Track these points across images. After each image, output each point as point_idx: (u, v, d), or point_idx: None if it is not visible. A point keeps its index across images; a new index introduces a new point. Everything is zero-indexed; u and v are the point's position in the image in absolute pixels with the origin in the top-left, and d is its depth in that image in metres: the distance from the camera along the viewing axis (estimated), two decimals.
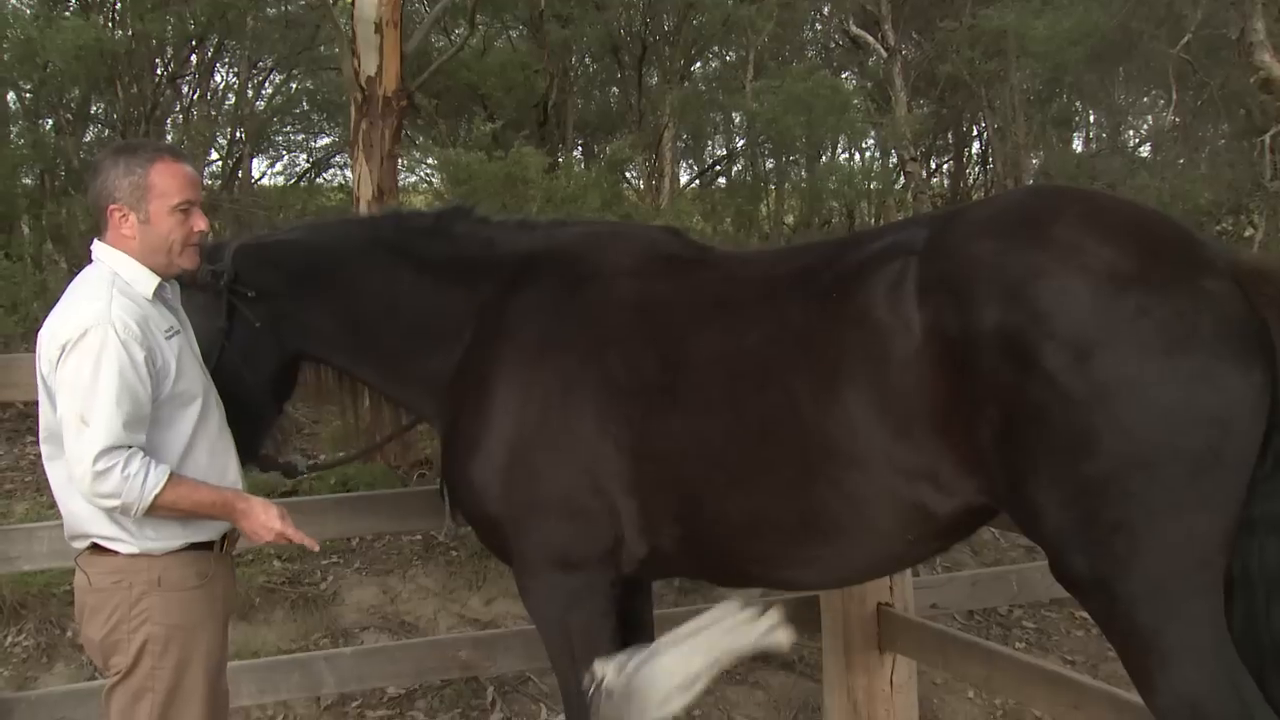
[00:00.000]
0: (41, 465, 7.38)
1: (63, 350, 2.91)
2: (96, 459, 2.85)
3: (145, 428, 2.95)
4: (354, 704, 5.31)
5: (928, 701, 5.36)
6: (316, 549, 3.24)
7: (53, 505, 6.37)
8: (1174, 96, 13.89)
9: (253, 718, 5.12)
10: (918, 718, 4.90)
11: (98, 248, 3.10)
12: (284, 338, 3.62)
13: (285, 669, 4.34)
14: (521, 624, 5.52)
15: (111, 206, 3.04)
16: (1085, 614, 5.40)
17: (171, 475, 2.94)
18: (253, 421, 3.58)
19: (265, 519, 3.07)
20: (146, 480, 2.89)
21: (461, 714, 5.31)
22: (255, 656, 5.14)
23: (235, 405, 3.41)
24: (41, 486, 7.05)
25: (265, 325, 3.54)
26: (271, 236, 3.80)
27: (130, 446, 2.90)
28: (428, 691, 5.42)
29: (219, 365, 3.43)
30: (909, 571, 4.75)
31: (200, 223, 3.12)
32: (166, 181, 3.04)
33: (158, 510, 2.94)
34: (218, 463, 3.17)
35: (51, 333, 2.98)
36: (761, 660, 5.80)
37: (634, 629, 3.75)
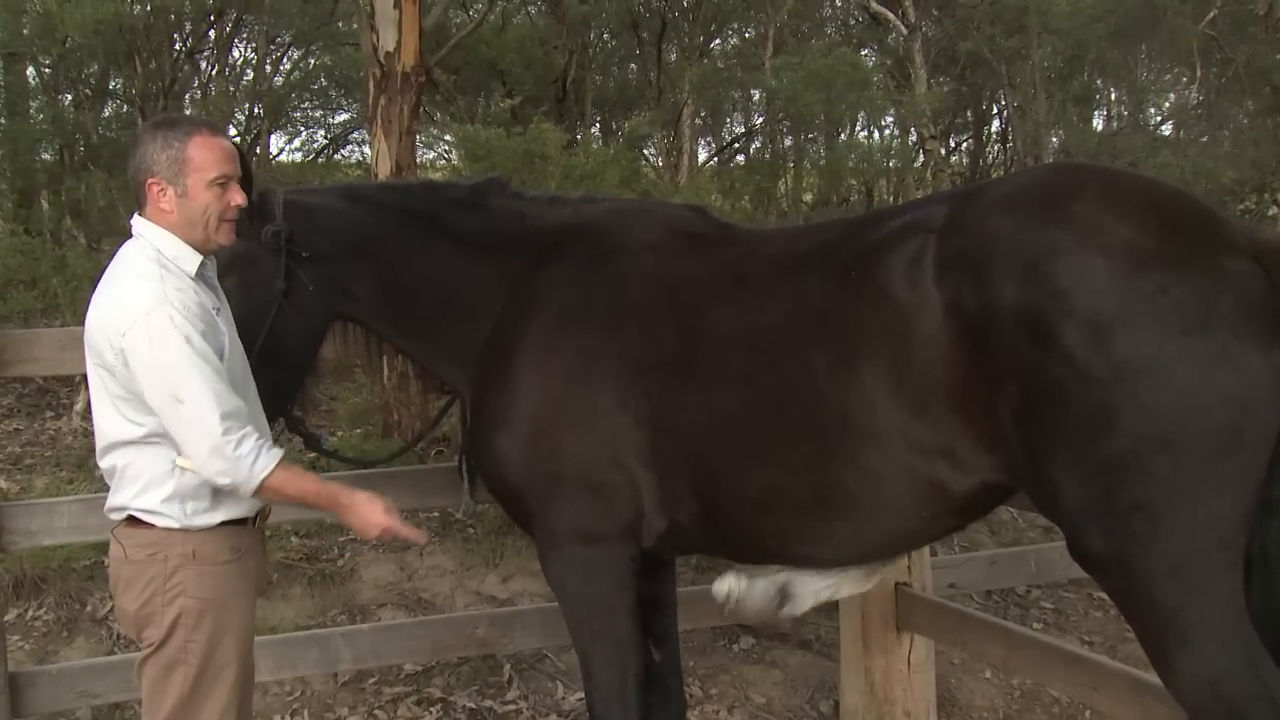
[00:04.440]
0: (61, 440, 7.40)
1: (126, 336, 2.91)
2: (217, 430, 2.89)
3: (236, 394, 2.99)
4: (371, 681, 5.33)
5: (945, 681, 5.36)
6: (424, 541, 3.25)
7: (72, 480, 6.46)
8: (1198, 73, 13.77)
9: (271, 693, 5.15)
10: (935, 697, 4.90)
11: (138, 223, 3.10)
12: (330, 299, 3.64)
13: (303, 645, 4.37)
14: (539, 602, 5.54)
15: (150, 180, 3.04)
16: (1104, 595, 5.38)
17: (282, 460, 2.98)
18: (291, 380, 3.64)
19: (371, 514, 3.11)
20: (256, 463, 2.94)
21: (478, 691, 5.33)
22: (273, 632, 5.16)
23: (276, 363, 3.47)
24: (61, 461, 7.09)
25: (317, 286, 3.56)
26: (314, 196, 3.77)
27: (244, 421, 2.95)
28: (445, 669, 5.44)
29: (272, 325, 3.48)
30: (927, 551, 4.75)
31: (237, 197, 3.13)
32: (204, 155, 3.04)
33: (264, 493, 2.99)
34: None
35: (107, 319, 2.97)
36: (779, 639, 5.81)
37: (657, 607, 3.77)
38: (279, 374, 3.50)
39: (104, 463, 3.11)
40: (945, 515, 3.04)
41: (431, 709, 5.18)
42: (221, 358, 3.03)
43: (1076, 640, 5.94)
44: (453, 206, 3.72)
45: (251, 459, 2.94)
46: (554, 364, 3.41)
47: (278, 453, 2.98)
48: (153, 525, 3.04)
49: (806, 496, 3.10)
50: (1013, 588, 6.33)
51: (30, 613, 5.60)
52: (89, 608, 5.62)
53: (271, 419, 3.47)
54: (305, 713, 5.11)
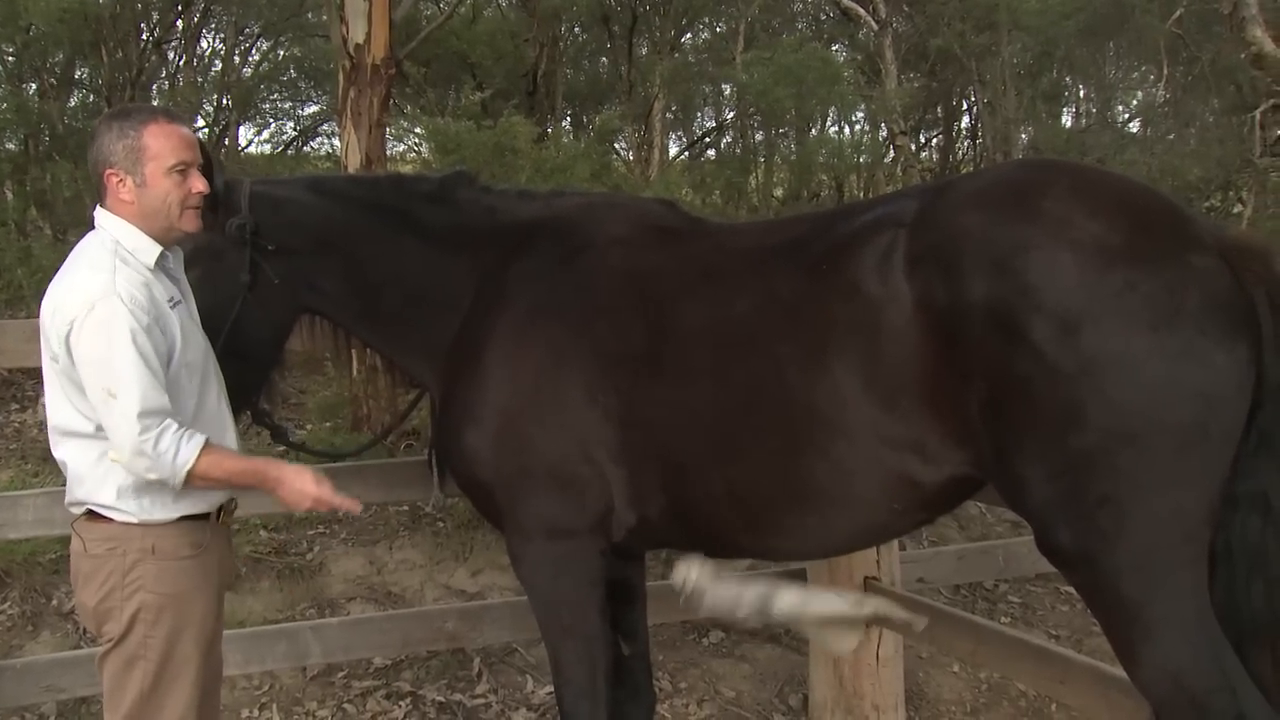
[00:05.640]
0: (26, 432, 7.32)
1: (71, 326, 2.90)
2: (135, 429, 2.87)
3: (166, 392, 2.95)
4: (340, 674, 5.31)
5: (913, 675, 5.39)
6: (359, 510, 3.24)
7: (38, 473, 6.40)
8: (1164, 71, 13.87)
9: (239, 687, 5.13)
10: (903, 691, 4.93)
11: (99, 214, 3.08)
12: (295, 293, 3.61)
13: (271, 639, 4.35)
14: (509, 596, 5.53)
15: (108, 171, 3.02)
16: (1070, 589, 5.42)
17: (205, 446, 2.95)
18: (256, 373, 3.61)
19: (300, 484, 3.07)
20: (178, 457, 2.90)
21: (448, 685, 5.32)
22: (241, 626, 5.13)
23: (242, 357, 3.44)
24: (26, 454, 7.03)
25: (282, 280, 3.53)
26: (281, 188, 3.71)
27: (164, 417, 2.91)
28: (414, 662, 5.43)
29: (236, 318, 3.45)
30: (895, 545, 4.77)
31: (198, 184, 3.10)
32: (160, 143, 3.01)
33: (192, 482, 2.96)
34: (213, 436, 3.15)
35: (55, 307, 2.96)
36: (748, 633, 5.82)
37: (626, 601, 3.77)
38: (244, 367, 3.47)
39: (58, 453, 3.09)
40: (915, 509, 3.05)
41: (401, 703, 5.17)
42: (173, 352, 3.01)
43: (1043, 634, 5.99)
44: (421, 200, 3.70)
45: (172, 453, 2.90)
46: (524, 358, 3.40)
47: (199, 440, 2.94)
48: (111, 519, 3.02)
49: (777, 491, 3.11)
50: (980, 582, 6.38)
51: None
52: (54, 601, 5.58)
53: (238, 412, 3.45)
54: (274, 707, 5.09)
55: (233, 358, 3.37)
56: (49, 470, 6.46)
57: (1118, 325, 2.58)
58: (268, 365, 3.67)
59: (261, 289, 3.51)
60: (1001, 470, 2.79)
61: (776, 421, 3.04)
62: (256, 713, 5.06)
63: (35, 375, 8.26)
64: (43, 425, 7.61)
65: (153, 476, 2.93)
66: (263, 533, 6.24)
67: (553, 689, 3.69)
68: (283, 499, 3.11)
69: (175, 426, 2.92)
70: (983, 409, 2.74)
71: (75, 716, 4.90)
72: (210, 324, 3.31)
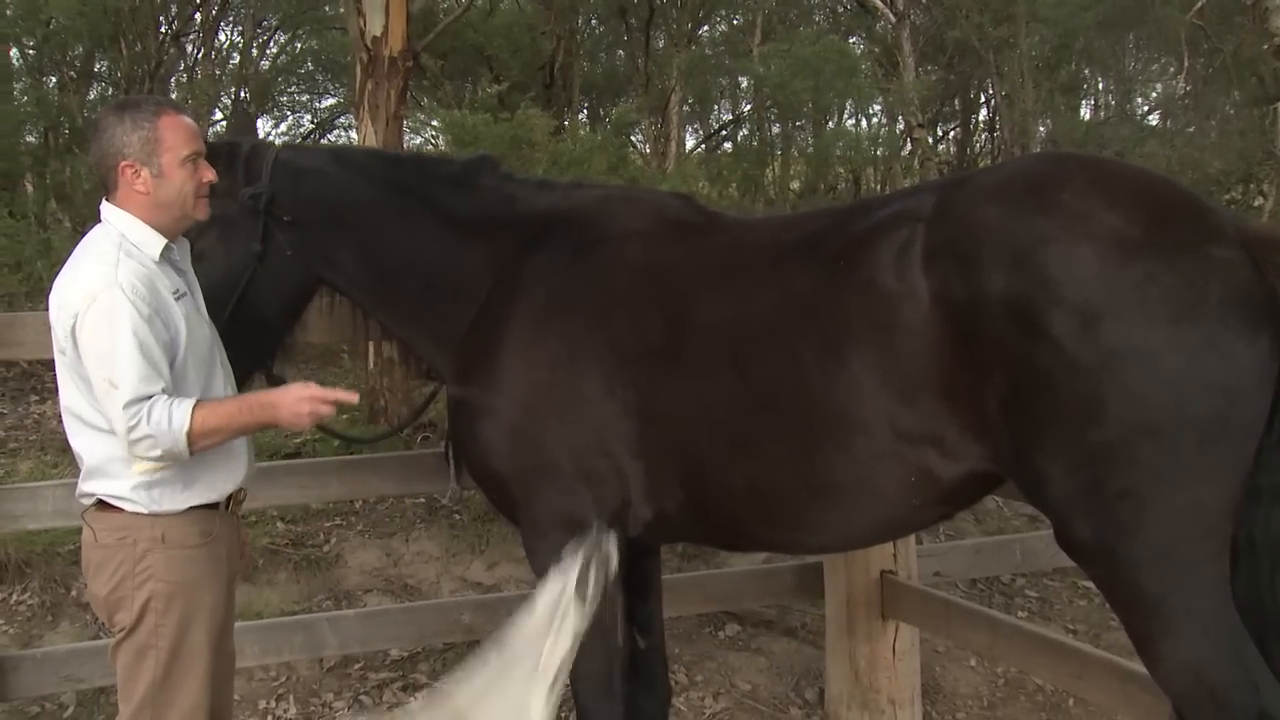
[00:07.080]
0: (46, 424, 7.36)
1: (76, 320, 2.91)
2: (128, 415, 2.87)
3: (167, 376, 2.95)
4: (356, 666, 5.33)
5: (929, 669, 5.37)
6: (355, 399, 3.23)
7: (57, 464, 6.43)
8: (1185, 63, 13.79)
9: (255, 678, 5.14)
10: (919, 685, 4.91)
11: (106, 209, 3.09)
12: (310, 264, 3.62)
13: (288, 630, 4.36)
14: (525, 589, 5.53)
15: (123, 163, 3.02)
16: (1088, 583, 5.41)
17: (195, 405, 2.94)
18: (268, 340, 3.63)
19: (294, 402, 3.06)
20: (172, 423, 2.90)
21: None
22: (258, 618, 5.15)
23: (253, 325, 3.46)
24: (45, 445, 7.07)
25: (295, 251, 3.54)
26: (305, 157, 3.71)
27: (148, 397, 2.90)
28: (430, 654, 5.44)
29: (247, 286, 3.46)
30: (912, 539, 4.76)
31: (208, 173, 3.13)
32: (174, 134, 3.04)
33: (197, 445, 2.95)
34: None
35: (60, 301, 2.98)
36: (764, 626, 5.82)
37: (642, 594, 3.76)
38: (256, 334, 3.50)
39: (74, 443, 3.11)
40: (934, 503, 3.03)
41: (417, 694, 5.17)
42: (176, 343, 3.02)
43: (1061, 629, 5.96)
44: (443, 183, 3.69)
45: (166, 420, 2.89)
46: (540, 351, 3.39)
47: (188, 402, 2.93)
48: (122, 509, 3.04)
49: (795, 486, 3.09)
50: (997, 576, 6.35)
51: (14, 597, 5.58)
52: (73, 592, 5.60)
53: (251, 377, 3.47)
54: (290, 698, 5.10)
55: (243, 325, 3.40)
56: (68, 461, 6.49)
57: (1138, 318, 2.56)
58: (279, 332, 3.68)
59: (273, 258, 3.52)
60: (1021, 464, 2.77)
61: (794, 417, 3.02)
62: (273, 704, 5.08)
63: (54, 367, 8.29)
64: (60, 416, 7.66)
65: (158, 452, 2.92)
66: (280, 525, 6.26)
67: (568, 682, 3.69)
68: (283, 422, 3.10)
69: (163, 399, 2.91)
70: (1002, 403, 2.73)
71: (94, 706, 4.92)
72: (220, 291, 3.34)
